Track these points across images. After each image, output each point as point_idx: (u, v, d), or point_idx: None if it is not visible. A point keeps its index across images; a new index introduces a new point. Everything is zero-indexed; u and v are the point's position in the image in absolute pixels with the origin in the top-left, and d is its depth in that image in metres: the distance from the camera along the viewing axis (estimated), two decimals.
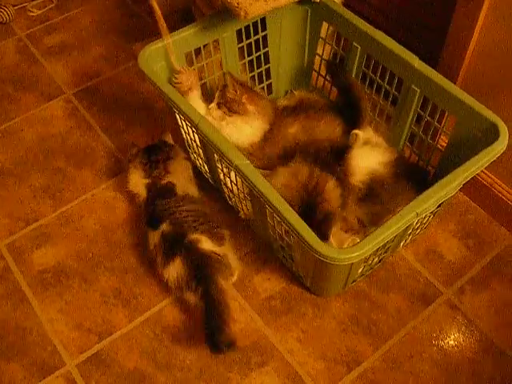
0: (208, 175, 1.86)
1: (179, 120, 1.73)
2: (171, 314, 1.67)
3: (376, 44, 1.72)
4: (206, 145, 1.56)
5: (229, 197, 1.79)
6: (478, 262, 1.77)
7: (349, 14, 1.78)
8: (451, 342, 1.62)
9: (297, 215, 1.34)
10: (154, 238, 1.66)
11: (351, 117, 1.79)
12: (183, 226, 1.64)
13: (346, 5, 1.84)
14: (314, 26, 1.91)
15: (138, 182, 1.78)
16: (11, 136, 2.11)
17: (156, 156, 1.80)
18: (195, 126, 1.53)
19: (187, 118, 1.55)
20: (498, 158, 1.48)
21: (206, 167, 1.82)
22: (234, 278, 1.70)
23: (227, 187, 1.74)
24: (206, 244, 1.62)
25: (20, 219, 1.88)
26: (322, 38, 1.91)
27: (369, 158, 1.69)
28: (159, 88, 1.60)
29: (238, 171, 1.43)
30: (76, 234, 1.84)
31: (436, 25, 1.78)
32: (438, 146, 1.72)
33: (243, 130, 1.76)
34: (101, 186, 1.95)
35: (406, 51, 1.68)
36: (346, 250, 1.33)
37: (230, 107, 1.74)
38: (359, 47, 1.78)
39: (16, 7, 2.57)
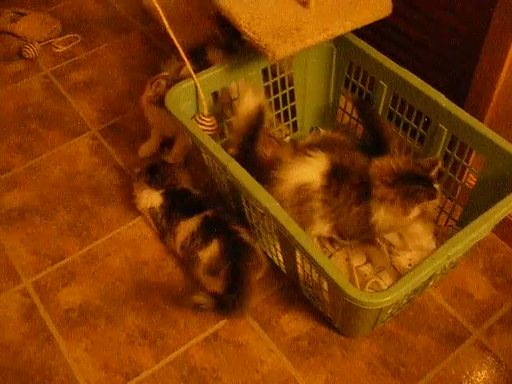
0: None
1: (206, 160, 1.74)
2: (198, 355, 1.66)
3: (403, 82, 1.73)
4: (235, 185, 1.57)
5: (256, 236, 1.78)
6: (507, 301, 1.75)
7: (374, 53, 1.79)
8: None
9: (328, 259, 1.33)
10: (191, 225, 1.74)
11: (378, 155, 1.78)
12: (226, 215, 1.76)
13: (369, 40, 1.84)
14: (340, 64, 1.92)
15: (150, 195, 1.85)
16: (37, 173, 2.12)
17: (161, 172, 1.87)
18: (224, 168, 1.53)
19: (216, 160, 1.56)
20: None
21: (233, 206, 1.82)
22: (260, 275, 1.74)
23: (255, 227, 1.74)
24: (245, 236, 1.71)
25: (46, 257, 1.89)
26: (347, 77, 1.91)
27: None
28: (187, 129, 1.61)
29: (268, 213, 1.43)
30: (102, 272, 1.84)
31: (463, 62, 1.78)
32: (466, 184, 1.71)
33: None
34: (127, 224, 1.95)
35: (434, 90, 1.68)
36: (377, 294, 1.32)
37: None
38: (385, 86, 1.78)
39: (42, 44, 2.61)
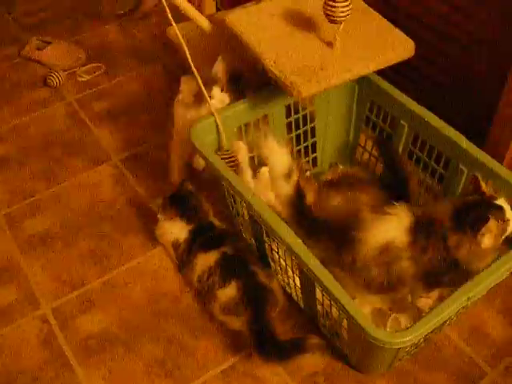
0: (254, 247, 1.88)
1: (226, 193, 1.76)
2: None
3: (423, 123, 1.75)
4: (256, 220, 1.59)
5: (275, 271, 1.80)
6: None
7: (396, 93, 1.82)
8: None
9: (349, 297, 1.35)
10: (209, 259, 1.76)
11: (397, 193, 1.80)
12: (246, 254, 1.78)
13: (390, 79, 1.87)
14: (361, 102, 1.95)
15: (178, 229, 1.87)
16: (59, 199, 2.16)
17: (191, 204, 1.89)
18: (246, 202, 1.55)
19: (238, 194, 1.58)
20: None
21: (252, 240, 1.84)
22: (277, 310, 1.74)
23: (274, 261, 1.75)
24: (262, 277, 1.72)
25: (66, 283, 1.91)
26: (368, 115, 1.94)
27: None
28: (209, 161, 1.65)
29: (290, 249, 1.45)
30: (121, 301, 1.86)
31: (483, 104, 1.80)
32: None
33: None
34: (147, 254, 1.97)
35: (454, 131, 1.70)
36: (397, 334, 1.33)
37: None
38: (406, 125, 1.81)
39: (66, 72, 2.65)
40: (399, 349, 1.46)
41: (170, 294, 1.87)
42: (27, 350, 1.75)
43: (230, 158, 1.79)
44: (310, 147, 2.05)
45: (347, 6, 1.53)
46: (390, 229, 1.56)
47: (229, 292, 1.70)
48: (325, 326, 1.67)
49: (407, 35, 1.72)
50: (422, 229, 1.54)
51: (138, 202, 2.14)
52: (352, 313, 1.32)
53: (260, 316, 1.65)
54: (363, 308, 1.61)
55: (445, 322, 1.55)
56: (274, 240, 1.59)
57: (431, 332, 1.54)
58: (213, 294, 1.73)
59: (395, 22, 1.76)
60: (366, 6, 1.80)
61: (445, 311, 1.34)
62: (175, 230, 1.88)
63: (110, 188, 2.19)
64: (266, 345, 1.60)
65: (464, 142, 1.67)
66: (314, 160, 2.09)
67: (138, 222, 2.07)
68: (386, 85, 1.84)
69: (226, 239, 1.81)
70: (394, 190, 1.82)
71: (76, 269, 1.95)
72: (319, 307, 1.59)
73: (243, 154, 1.81)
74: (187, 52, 1.71)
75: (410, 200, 1.76)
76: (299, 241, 1.45)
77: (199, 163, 2.10)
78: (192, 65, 1.71)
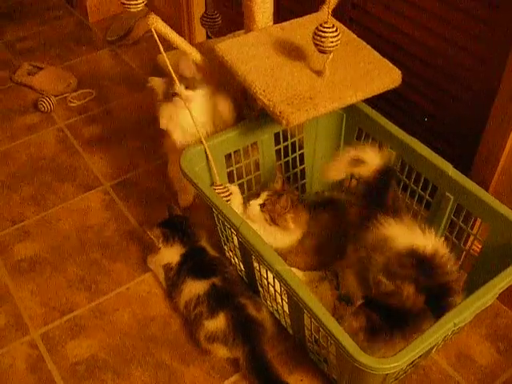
0: (243, 273, 1.89)
1: (216, 220, 1.78)
2: None
3: (410, 150, 1.77)
4: (246, 248, 1.60)
5: (264, 297, 1.81)
6: (509, 367, 1.76)
7: (383, 120, 1.84)
8: None
9: (336, 323, 1.36)
10: (197, 288, 1.76)
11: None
12: (234, 286, 1.78)
13: (378, 108, 1.90)
14: (349, 129, 1.97)
15: (171, 253, 1.87)
16: (48, 225, 2.16)
17: (185, 229, 1.90)
18: (236, 230, 1.57)
19: (228, 222, 1.60)
20: None
21: (241, 266, 1.85)
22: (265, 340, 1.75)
23: (263, 287, 1.76)
24: (251, 310, 1.73)
25: (55, 309, 1.91)
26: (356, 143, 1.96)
27: None
28: (201, 190, 1.66)
29: (279, 276, 1.46)
30: (110, 326, 1.86)
31: (470, 133, 1.83)
32: (471, 251, 1.74)
33: (278, 240, 1.84)
34: (135, 280, 1.98)
35: (441, 159, 1.72)
36: (384, 360, 1.33)
37: (273, 218, 1.81)
38: (394, 152, 1.83)
39: (57, 97, 2.68)
40: (387, 375, 1.47)
41: (160, 319, 1.87)
42: (16, 375, 1.75)
43: (223, 192, 1.81)
44: (298, 173, 2.07)
45: (336, 36, 1.56)
46: None
47: (216, 323, 1.71)
48: (313, 351, 1.68)
49: (394, 64, 1.75)
50: None
51: (128, 227, 2.15)
52: (339, 338, 1.33)
53: (257, 352, 1.67)
54: None
55: (432, 347, 1.57)
56: (262, 266, 1.60)
57: (418, 358, 1.56)
58: (200, 323, 1.74)
59: (383, 53, 1.79)
60: (355, 36, 1.83)
61: (430, 338, 1.35)
62: (169, 253, 1.88)
63: (99, 214, 2.20)
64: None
65: (450, 170, 1.69)
66: (303, 186, 2.11)
67: (127, 247, 2.08)
68: (372, 112, 1.87)
69: (217, 268, 1.82)
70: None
71: (65, 294, 1.95)
72: (307, 333, 1.60)
73: (238, 199, 1.85)
74: (175, 78, 1.75)
75: None
76: (288, 268, 1.46)
77: (186, 199, 2.15)
78: (172, 71, 1.74)
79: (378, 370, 1.31)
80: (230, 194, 1.82)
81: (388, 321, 1.43)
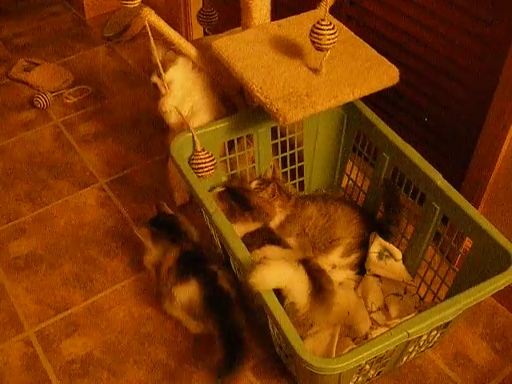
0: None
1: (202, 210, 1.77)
2: None
3: (403, 157, 1.76)
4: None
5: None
6: (506, 366, 1.76)
7: (381, 124, 1.83)
8: None
9: (289, 322, 1.35)
10: (189, 289, 1.71)
11: (379, 226, 1.89)
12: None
13: (379, 108, 1.90)
14: (349, 131, 1.97)
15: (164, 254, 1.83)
16: (44, 222, 2.15)
17: (174, 228, 1.87)
18: (209, 216, 1.58)
19: (203, 207, 1.62)
20: None
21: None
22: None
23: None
24: (223, 280, 1.73)
25: (50, 307, 1.90)
26: (354, 145, 1.97)
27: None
28: (183, 173, 1.69)
29: (240, 265, 1.49)
30: (105, 324, 1.85)
31: (467, 130, 1.83)
32: (452, 265, 1.74)
33: None
34: (131, 278, 1.97)
35: (431, 168, 1.70)
36: (328, 360, 1.34)
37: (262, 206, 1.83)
38: (387, 158, 1.82)
39: (53, 94, 2.66)
40: (340, 379, 1.44)
41: (155, 317, 1.86)
42: (10, 373, 1.74)
43: (204, 159, 1.80)
44: (296, 170, 2.06)
45: (334, 33, 1.55)
46: None
47: (188, 291, 1.70)
48: (287, 361, 1.67)
49: (392, 62, 1.74)
50: None
51: (124, 225, 2.14)
52: (288, 337, 1.32)
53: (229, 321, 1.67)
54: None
55: (398, 355, 1.57)
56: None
57: (381, 365, 1.55)
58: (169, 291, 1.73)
59: (380, 50, 1.78)
60: (352, 33, 1.83)
61: (379, 344, 1.33)
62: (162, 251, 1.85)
63: (95, 211, 2.19)
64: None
65: (439, 179, 1.67)
66: (301, 184, 2.11)
67: (123, 245, 2.07)
68: (371, 116, 1.85)
69: (207, 265, 1.78)
70: (377, 224, 1.91)
71: (60, 292, 1.94)
72: (273, 332, 1.60)
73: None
74: (163, 74, 1.81)
75: (390, 237, 1.85)
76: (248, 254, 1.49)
77: (182, 197, 2.15)
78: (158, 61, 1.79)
79: (321, 370, 1.30)
80: (215, 162, 1.83)
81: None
